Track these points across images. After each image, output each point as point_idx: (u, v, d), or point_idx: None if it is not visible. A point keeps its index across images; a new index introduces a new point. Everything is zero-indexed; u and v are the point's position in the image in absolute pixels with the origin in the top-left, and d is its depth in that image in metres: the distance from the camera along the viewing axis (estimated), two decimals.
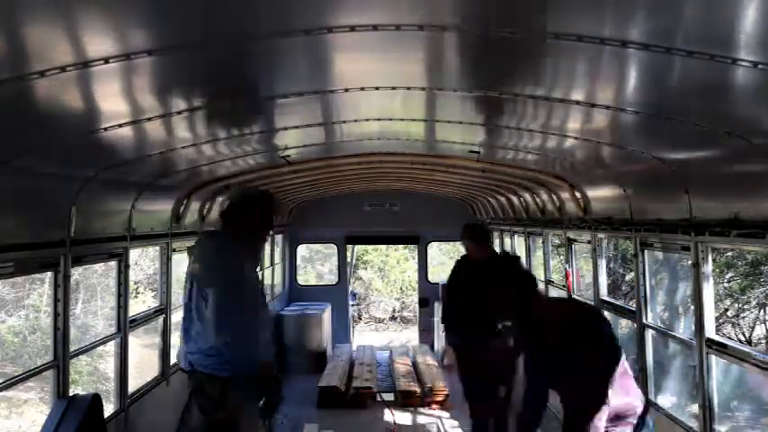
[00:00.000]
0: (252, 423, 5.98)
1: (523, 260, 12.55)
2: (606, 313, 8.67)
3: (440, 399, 11.91)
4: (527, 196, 10.82)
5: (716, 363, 5.83)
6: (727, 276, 18.39)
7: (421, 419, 11.35)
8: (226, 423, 5.79)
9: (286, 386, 13.13)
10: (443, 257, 30.93)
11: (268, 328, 6.15)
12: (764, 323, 19.18)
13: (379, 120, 6.52)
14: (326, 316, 15.94)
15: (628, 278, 19.29)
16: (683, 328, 10.16)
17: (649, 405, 5.34)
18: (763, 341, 18.68)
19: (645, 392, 7.09)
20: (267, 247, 14.62)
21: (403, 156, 9.30)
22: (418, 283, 18.90)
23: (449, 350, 9.46)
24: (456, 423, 10.85)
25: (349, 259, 24.92)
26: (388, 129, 7.08)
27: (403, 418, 11.32)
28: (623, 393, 4.84)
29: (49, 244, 5.72)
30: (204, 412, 5.82)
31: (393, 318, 32.15)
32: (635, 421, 4.91)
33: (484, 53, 4.15)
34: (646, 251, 7.23)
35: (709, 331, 5.81)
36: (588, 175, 7.80)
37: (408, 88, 4.97)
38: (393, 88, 4.94)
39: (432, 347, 16.54)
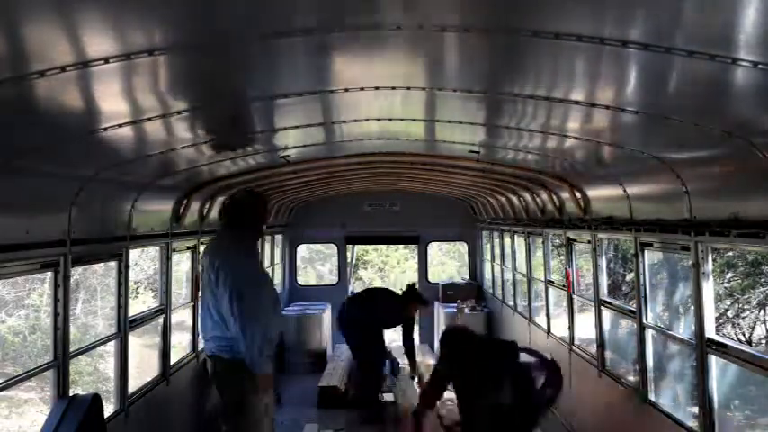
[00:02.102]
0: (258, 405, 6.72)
1: (522, 260, 12.56)
2: (606, 313, 8.68)
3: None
4: (527, 196, 10.82)
5: (716, 363, 5.82)
6: (728, 276, 18.38)
7: None
8: (239, 403, 6.63)
9: (286, 386, 13.20)
10: (443, 257, 30.96)
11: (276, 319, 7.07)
12: (764, 323, 19.16)
13: (379, 120, 6.51)
14: (326, 316, 15.93)
15: (628, 278, 19.28)
16: (683, 328, 10.15)
17: None
18: (764, 341, 18.67)
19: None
20: (267, 247, 14.62)
21: (403, 156, 9.30)
22: (418, 283, 18.90)
23: None
24: None
25: (349, 259, 24.91)
26: (388, 129, 7.07)
27: None
28: None
29: (49, 244, 5.71)
30: (221, 393, 6.82)
31: None
32: None
33: (484, 53, 4.15)
34: (646, 251, 7.23)
35: (709, 331, 5.80)
36: (588, 175, 7.79)
37: (408, 88, 4.96)
38: (393, 88, 4.94)
39: (432, 347, 16.54)
